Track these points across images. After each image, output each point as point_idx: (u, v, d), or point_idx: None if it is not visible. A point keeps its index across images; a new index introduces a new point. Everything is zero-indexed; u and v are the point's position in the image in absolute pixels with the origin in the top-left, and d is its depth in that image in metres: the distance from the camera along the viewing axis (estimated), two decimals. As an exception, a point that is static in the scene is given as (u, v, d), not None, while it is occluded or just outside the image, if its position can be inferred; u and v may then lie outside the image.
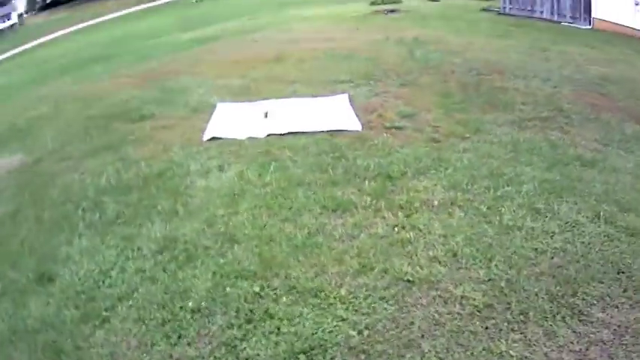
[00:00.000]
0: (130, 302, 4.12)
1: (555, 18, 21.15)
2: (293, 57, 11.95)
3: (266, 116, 7.87)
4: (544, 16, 21.76)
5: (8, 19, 42.88)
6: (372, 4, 23.56)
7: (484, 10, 23.25)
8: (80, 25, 39.64)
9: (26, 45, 33.31)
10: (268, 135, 7.08)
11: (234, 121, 7.76)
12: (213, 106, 8.53)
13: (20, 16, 45.00)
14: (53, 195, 6.17)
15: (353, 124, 7.28)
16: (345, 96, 8.56)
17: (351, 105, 8.10)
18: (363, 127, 7.18)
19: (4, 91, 15.93)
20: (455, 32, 15.50)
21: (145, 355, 3.65)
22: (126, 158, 6.84)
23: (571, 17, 20.45)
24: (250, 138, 7.04)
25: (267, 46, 14.18)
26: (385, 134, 6.99)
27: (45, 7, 52.71)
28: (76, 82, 13.79)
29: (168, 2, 44.05)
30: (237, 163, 6.32)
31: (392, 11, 21.41)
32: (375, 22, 18.58)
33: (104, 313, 4.02)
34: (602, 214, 5.03)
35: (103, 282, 4.39)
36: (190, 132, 7.54)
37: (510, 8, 23.11)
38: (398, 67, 10.49)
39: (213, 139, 7.15)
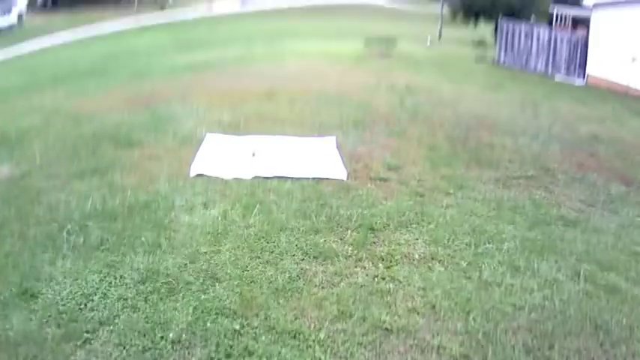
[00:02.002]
0: (112, 327, 4.21)
1: (550, 72, 21.67)
2: (285, 95, 12.22)
3: (253, 155, 7.99)
4: (539, 69, 22.26)
5: (8, 13, 41.36)
6: (367, 44, 23.78)
7: (478, 58, 23.72)
8: (78, 31, 39.40)
9: (23, 49, 32.97)
10: (254, 177, 7.19)
11: (222, 158, 7.85)
12: (201, 139, 8.68)
13: (20, 17, 43.22)
14: (39, 212, 6.19)
15: (339, 172, 7.44)
16: (333, 139, 8.81)
17: (338, 151, 8.31)
18: (348, 176, 7.35)
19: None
20: (448, 81, 16.00)
21: (125, 379, 3.76)
22: (112, 185, 6.89)
23: (565, 72, 21.08)
24: (236, 179, 7.14)
25: (260, 80, 14.43)
26: (370, 185, 7.17)
27: (45, 5, 52.07)
28: (69, 95, 13.87)
29: (166, 23, 44.21)
30: (222, 202, 6.42)
31: (386, 55, 21.75)
32: (369, 65, 18.95)
33: (85, 335, 4.11)
34: (582, 272, 5.24)
35: (85, 305, 4.48)
36: (177, 164, 7.62)
37: (505, 60, 23.62)
38: (388, 116, 10.85)
39: (199, 175, 7.24)
